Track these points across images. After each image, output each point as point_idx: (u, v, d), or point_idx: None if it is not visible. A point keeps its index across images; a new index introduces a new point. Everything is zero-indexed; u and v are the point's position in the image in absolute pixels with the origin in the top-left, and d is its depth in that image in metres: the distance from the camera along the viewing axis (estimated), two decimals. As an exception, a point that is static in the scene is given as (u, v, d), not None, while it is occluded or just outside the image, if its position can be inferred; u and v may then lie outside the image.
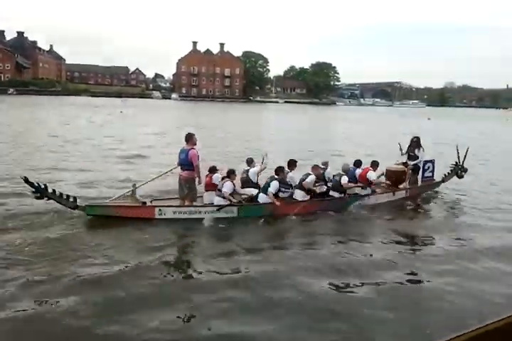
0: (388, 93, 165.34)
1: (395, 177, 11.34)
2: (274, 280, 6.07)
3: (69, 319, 4.85)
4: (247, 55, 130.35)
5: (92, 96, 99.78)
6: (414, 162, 12.11)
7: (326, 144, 24.98)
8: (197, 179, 8.85)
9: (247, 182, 9.87)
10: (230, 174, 9.24)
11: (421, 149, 12.31)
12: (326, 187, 10.20)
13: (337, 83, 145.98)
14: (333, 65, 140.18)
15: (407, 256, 7.27)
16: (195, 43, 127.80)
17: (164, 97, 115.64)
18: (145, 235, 7.62)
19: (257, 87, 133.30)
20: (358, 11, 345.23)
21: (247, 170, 10.04)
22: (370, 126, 45.70)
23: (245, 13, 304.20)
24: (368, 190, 10.64)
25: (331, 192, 10.14)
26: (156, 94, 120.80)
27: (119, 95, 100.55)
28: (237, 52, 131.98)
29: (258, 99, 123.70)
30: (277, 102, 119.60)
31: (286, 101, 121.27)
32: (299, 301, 5.46)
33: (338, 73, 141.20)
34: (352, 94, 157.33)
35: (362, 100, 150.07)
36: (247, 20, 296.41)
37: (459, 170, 12.68)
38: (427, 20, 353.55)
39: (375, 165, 11.00)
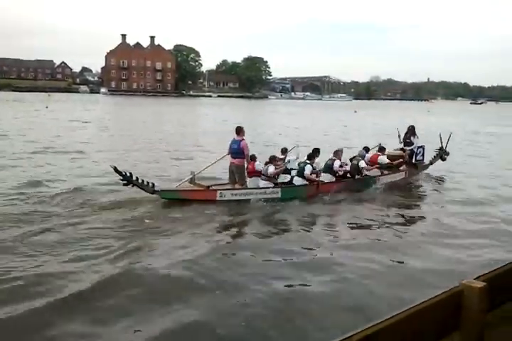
0: (318, 87, 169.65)
1: (395, 161, 13.22)
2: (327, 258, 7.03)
3: (162, 278, 5.92)
4: (179, 49, 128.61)
5: (15, 91, 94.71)
6: (410, 147, 14.03)
7: (273, 137, 25.63)
8: (246, 165, 10.45)
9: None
10: (272, 160, 10.64)
11: (415, 136, 14.20)
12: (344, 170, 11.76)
13: (269, 77, 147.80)
14: (265, 59, 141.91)
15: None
16: (124, 36, 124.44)
17: (92, 92, 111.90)
18: (210, 214, 9.06)
19: (190, 81, 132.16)
20: (290, 8, 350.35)
21: (283, 159, 11.38)
22: (305, 119, 47.06)
23: (176, 6, 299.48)
24: (378, 172, 12.53)
25: (350, 174, 11.80)
26: (84, 88, 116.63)
27: (44, 90, 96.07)
28: (168, 46, 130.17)
29: (191, 93, 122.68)
30: (210, 96, 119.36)
31: (219, 96, 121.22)
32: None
33: (269, 67, 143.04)
34: (283, 88, 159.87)
35: (293, 94, 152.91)
36: (178, 13, 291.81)
37: (443, 154, 14.74)
38: (353, 18, 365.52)
39: (383, 150, 13.11)
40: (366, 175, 12.05)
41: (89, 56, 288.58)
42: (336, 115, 55.32)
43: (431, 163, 14.67)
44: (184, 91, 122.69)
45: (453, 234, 8.41)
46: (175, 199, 9.59)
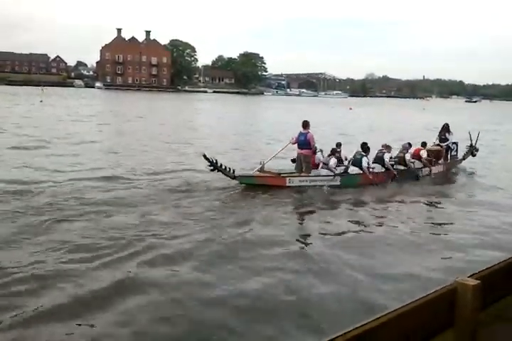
0: (313, 83, 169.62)
1: (434, 155, 14.40)
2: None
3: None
4: (175, 44, 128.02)
5: (9, 84, 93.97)
6: (446, 143, 15.35)
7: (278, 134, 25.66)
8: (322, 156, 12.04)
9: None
10: (334, 152, 12.08)
11: (450, 133, 15.59)
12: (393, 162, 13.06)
13: (264, 73, 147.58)
14: (261, 55, 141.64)
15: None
16: (119, 30, 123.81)
17: (87, 86, 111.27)
18: (280, 197, 10.39)
19: (185, 77, 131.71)
20: (287, 4, 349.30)
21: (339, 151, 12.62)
22: (305, 115, 47.08)
23: (172, 0, 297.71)
24: (420, 164, 13.74)
25: (396, 166, 12.98)
26: (79, 82, 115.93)
27: (38, 84, 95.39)
28: (164, 41, 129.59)
29: (186, 88, 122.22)
30: (206, 92, 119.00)
31: (214, 91, 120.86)
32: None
33: (265, 63, 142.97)
34: (279, 85, 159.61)
35: (289, 90, 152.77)
36: (174, 7, 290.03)
37: (473, 150, 16.14)
38: (350, 14, 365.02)
39: (424, 145, 14.36)
40: (410, 167, 13.28)
41: (84, 50, 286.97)
42: (333, 112, 55.35)
43: (463, 158, 16.03)
44: (179, 87, 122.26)
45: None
46: (251, 184, 10.95)
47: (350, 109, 61.41)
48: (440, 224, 9.02)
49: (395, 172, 12.65)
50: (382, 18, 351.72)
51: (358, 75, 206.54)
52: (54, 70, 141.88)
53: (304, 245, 7.51)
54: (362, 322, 2.22)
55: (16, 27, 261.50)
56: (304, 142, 11.64)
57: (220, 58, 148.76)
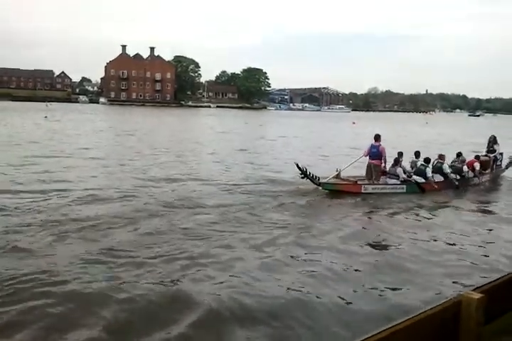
0: (316, 98, 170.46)
1: (484, 166, 15.64)
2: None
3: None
4: (179, 60, 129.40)
5: (14, 100, 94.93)
6: (494, 154, 16.69)
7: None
8: (383, 165, 13.27)
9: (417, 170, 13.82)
10: (398, 162, 13.33)
11: (497, 144, 16.97)
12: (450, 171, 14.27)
13: (267, 88, 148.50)
14: (264, 70, 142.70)
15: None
16: (124, 47, 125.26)
17: (92, 101, 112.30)
18: (356, 202, 11.77)
19: (189, 92, 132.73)
20: (290, 19, 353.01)
21: (414, 162, 14.12)
22: (314, 131, 47.15)
23: (175, 17, 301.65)
24: (472, 174, 14.97)
25: (452, 175, 14.14)
26: (83, 98, 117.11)
27: (43, 99, 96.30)
28: (168, 57, 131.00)
29: (190, 103, 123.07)
30: (209, 107, 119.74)
31: (218, 106, 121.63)
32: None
33: (268, 78, 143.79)
34: (282, 99, 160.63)
35: (292, 105, 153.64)
36: (179, 23, 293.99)
37: None
38: (352, 29, 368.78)
39: (477, 158, 15.60)
40: (466, 177, 14.58)
41: (89, 66, 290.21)
42: (337, 127, 55.47)
43: (506, 167, 17.31)
44: (183, 102, 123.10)
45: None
46: (332, 190, 12.38)
47: (354, 123, 61.39)
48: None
49: (456, 183, 13.92)
50: (385, 33, 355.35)
51: (361, 90, 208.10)
52: (59, 86, 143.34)
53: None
54: (365, 335, 2.22)
55: (21, 43, 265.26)
56: (376, 153, 13.09)
57: (223, 74, 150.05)
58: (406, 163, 14.07)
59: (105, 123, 44.74)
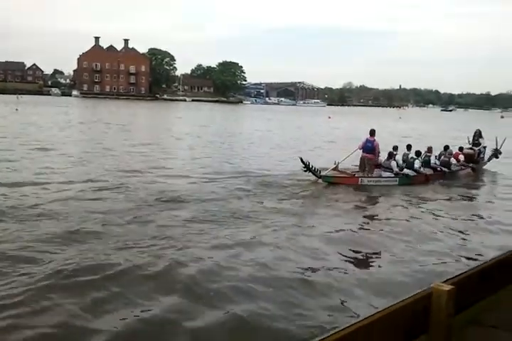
0: (292, 92, 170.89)
1: (467, 158, 16.56)
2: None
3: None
4: (153, 52, 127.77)
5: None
6: (479, 147, 17.54)
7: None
8: (380, 158, 14.06)
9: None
10: (392, 156, 14.05)
11: (482, 138, 17.86)
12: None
13: (243, 82, 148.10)
14: (240, 64, 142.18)
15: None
16: (97, 39, 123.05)
17: (64, 94, 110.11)
18: (352, 192, 12.59)
19: (164, 85, 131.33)
20: (265, 13, 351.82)
21: (406, 154, 14.94)
22: (287, 125, 47.25)
23: (151, 10, 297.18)
24: (458, 166, 15.92)
25: (443, 168, 15.14)
26: (55, 90, 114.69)
27: (14, 92, 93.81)
28: (143, 49, 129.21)
29: (165, 97, 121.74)
30: (185, 100, 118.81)
31: (193, 100, 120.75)
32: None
33: (244, 72, 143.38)
34: (258, 93, 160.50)
35: (268, 99, 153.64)
36: (153, 16, 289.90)
37: (497, 153, 18.37)
38: (328, 24, 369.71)
39: (461, 150, 16.70)
40: (452, 169, 15.48)
41: (62, 59, 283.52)
42: (314, 121, 55.77)
43: (488, 159, 18.23)
44: (158, 95, 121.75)
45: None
46: (331, 183, 13.13)
47: (329, 117, 61.86)
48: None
49: (443, 174, 14.93)
50: (360, 28, 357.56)
51: (336, 84, 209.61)
52: (30, 78, 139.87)
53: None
54: (337, 328, 2.22)
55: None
56: (370, 148, 13.79)
57: (199, 67, 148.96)
58: (399, 156, 14.72)
59: (77, 116, 43.96)
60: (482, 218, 10.47)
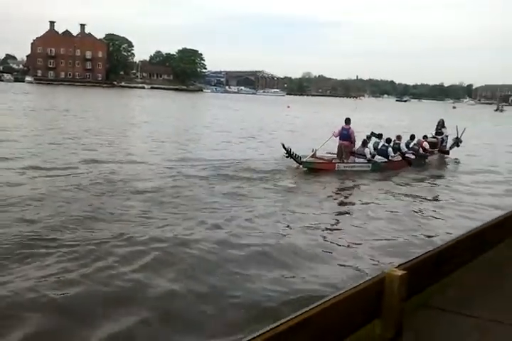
0: (252, 81, 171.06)
1: (431, 146, 17.77)
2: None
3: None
4: (111, 38, 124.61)
5: None
6: (441, 136, 18.93)
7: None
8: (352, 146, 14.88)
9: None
10: (365, 143, 15.15)
11: (444, 128, 19.25)
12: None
13: (203, 70, 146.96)
14: (200, 51, 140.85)
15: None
16: (52, 23, 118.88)
17: (17, 80, 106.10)
18: (332, 178, 13.49)
19: (122, 72, 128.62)
20: (224, 1, 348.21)
21: (377, 142, 15.92)
22: (246, 114, 47.56)
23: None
24: (423, 153, 17.08)
25: (408, 155, 16.18)
26: (7, 76, 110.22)
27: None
28: (100, 35, 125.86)
29: (123, 84, 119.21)
30: (143, 88, 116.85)
31: (152, 87, 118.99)
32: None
33: (204, 60, 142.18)
34: (218, 82, 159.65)
35: (228, 87, 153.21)
36: (110, 2, 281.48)
37: (458, 142, 19.79)
38: (286, 13, 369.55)
39: (425, 138, 17.78)
40: (419, 156, 16.75)
41: (14, 43, 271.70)
42: (275, 110, 56.54)
43: (450, 148, 19.49)
44: (116, 82, 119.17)
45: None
46: (311, 168, 14.00)
47: (288, 107, 62.71)
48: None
49: (411, 160, 16.03)
50: (318, 19, 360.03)
51: (296, 74, 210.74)
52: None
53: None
54: (293, 314, 2.28)
55: None
56: (346, 135, 14.71)
57: (158, 54, 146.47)
58: (370, 144, 15.69)
59: (31, 103, 42.90)
60: (443, 200, 11.55)
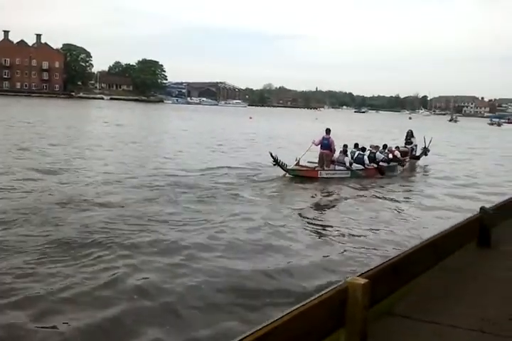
0: (214, 92, 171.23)
1: (403, 155, 19.00)
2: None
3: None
4: (68, 48, 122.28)
5: None
6: (411, 146, 20.47)
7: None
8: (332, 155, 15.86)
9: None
10: (345, 152, 16.23)
11: (414, 137, 20.82)
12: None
13: (164, 81, 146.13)
14: (160, 62, 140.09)
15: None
16: (6, 33, 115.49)
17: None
18: (315, 184, 14.45)
19: (80, 83, 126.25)
20: (185, 12, 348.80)
21: (353, 152, 16.75)
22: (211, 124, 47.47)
23: (65, 3, 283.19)
24: (395, 162, 17.97)
25: (382, 163, 17.16)
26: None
27: None
28: (57, 45, 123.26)
29: (81, 95, 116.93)
30: (102, 99, 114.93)
31: (112, 98, 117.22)
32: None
33: (165, 71, 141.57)
34: (179, 93, 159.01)
35: (189, 99, 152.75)
36: (68, 10, 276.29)
37: (426, 151, 21.01)
38: (248, 26, 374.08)
39: (397, 148, 19.09)
40: (391, 164, 17.72)
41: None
42: (237, 121, 56.74)
43: (419, 157, 20.79)
44: (73, 93, 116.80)
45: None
46: (295, 175, 14.91)
47: (251, 118, 63.03)
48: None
49: (385, 168, 17.12)
50: (278, 31, 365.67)
51: (257, 85, 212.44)
52: None
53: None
54: (256, 326, 2.27)
55: None
56: (327, 145, 15.73)
57: (117, 64, 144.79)
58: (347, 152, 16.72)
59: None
60: (413, 202, 12.67)
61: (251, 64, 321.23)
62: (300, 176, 14.93)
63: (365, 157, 16.51)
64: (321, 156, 15.81)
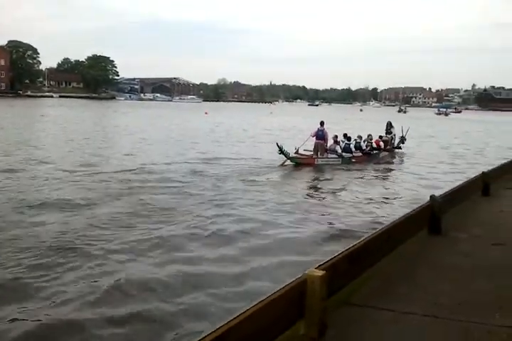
0: (168, 88, 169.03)
1: (385, 144, 21.57)
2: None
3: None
4: (14, 45, 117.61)
5: None
6: (391, 135, 22.95)
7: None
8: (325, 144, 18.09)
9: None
10: (336, 141, 18.49)
11: (393, 128, 23.31)
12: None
13: (116, 77, 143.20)
14: (111, 58, 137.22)
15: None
16: None
17: None
18: (313, 170, 16.86)
19: (27, 81, 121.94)
20: (134, 5, 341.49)
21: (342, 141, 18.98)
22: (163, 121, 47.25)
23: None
24: (378, 150, 20.70)
25: (367, 151, 19.50)
26: None
27: None
28: (1, 42, 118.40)
29: (29, 93, 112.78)
30: (52, 97, 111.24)
31: (61, 96, 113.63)
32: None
33: (116, 67, 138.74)
34: (132, 89, 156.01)
35: (142, 95, 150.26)
36: (12, 5, 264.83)
37: (403, 140, 23.50)
38: (199, 19, 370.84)
39: (381, 138, 21.62)
40: (375, 152, 20.29)
41: None
42: (193, 117, 56.77)
43: (398, 144, 23.19)
44: (21, 92, 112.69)
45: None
46: (296, 163, 17.20)
47: (206, 113, 63.14)
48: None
49: (370, 155, 19.53)
50: (231, 25, 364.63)
51: (211, 80, 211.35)
52: None
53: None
54: (218, 323, 2.31)
55: None
56: (321, 135, 17.94)
57: (66, 61, 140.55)
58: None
59: None
60: (396, 183, 14.91)
61: (205, 59, 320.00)
62: (299, 163, 17.17)
63: (351, 145, 18.86)
64: (316, 146, 17.99)
